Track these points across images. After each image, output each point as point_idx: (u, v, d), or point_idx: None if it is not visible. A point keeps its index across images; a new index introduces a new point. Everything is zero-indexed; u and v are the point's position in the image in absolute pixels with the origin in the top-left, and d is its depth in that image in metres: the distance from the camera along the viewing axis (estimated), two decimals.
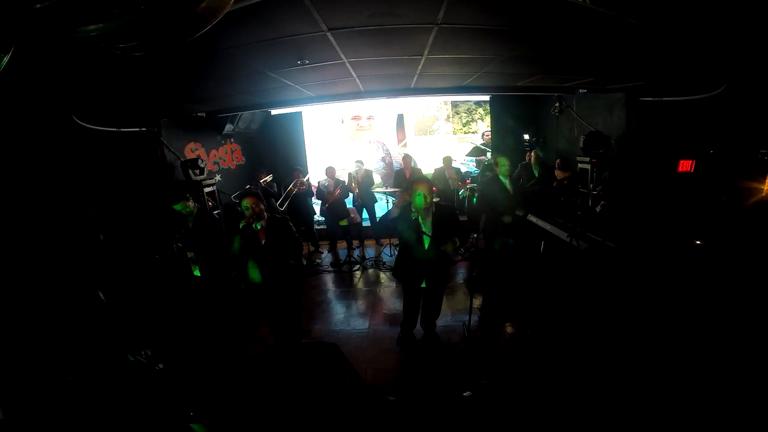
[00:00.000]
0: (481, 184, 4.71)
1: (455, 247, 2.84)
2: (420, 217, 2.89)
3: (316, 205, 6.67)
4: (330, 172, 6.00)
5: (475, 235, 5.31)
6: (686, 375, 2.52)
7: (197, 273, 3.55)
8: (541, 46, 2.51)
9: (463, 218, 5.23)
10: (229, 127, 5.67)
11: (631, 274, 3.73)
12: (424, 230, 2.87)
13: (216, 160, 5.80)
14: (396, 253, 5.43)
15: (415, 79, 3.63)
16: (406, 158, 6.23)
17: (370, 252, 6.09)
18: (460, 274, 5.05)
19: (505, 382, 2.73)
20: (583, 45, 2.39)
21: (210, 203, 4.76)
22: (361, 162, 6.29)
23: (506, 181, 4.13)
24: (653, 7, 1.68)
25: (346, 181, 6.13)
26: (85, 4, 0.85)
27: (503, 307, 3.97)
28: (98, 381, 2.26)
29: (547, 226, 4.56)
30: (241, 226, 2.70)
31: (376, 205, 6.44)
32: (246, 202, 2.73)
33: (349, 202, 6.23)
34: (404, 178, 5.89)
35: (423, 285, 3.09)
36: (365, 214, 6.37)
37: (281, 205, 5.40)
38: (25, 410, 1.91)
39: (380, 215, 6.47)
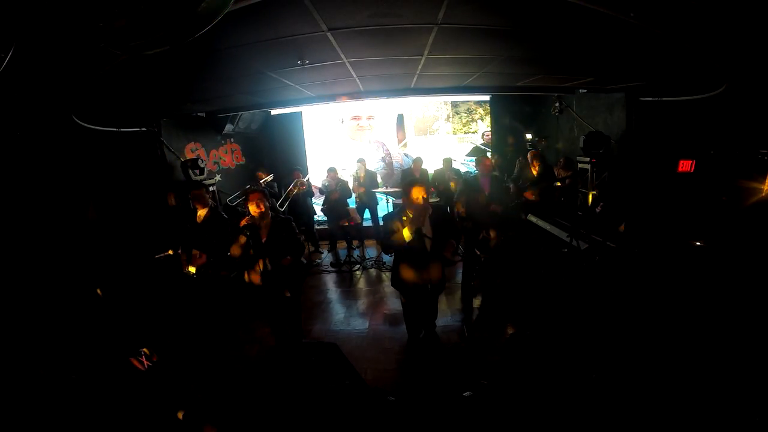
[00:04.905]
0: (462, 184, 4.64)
1: (454, 250, 2.81)
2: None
3: (317, 205, 6.67)
4: (332, 173, 6.03)
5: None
6: (686, 375, 2.52)
7: (193, 271, 3.55)
8: (541, 46, 2.51)
9: None
10: (229, 127, 5.67)
11: (631, 274, 3.73)
12: (424, 233, 2.78)
13: (216, 160, 5.80)
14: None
15: (415, 79, 3.62)
16: (417, 161, 6.23)
17: (370, 252, 6.09)
18: (460, 274, 5.04)
19: (505, 382, 2.73)
20: (583, 45, 2.39)
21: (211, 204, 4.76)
22: (363, 160, 6.29)
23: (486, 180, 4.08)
24: (654, 8, 1.68)
25: (350, 183, 6.14)
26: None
27: (503, 307, 3.97)
28: (97, 381, 2.26)
29: (547, 226, 4.56)
30: (242, 225, 2.71)
31: (377, 206, 6.45)
32: (250, 200, 2.77)
33: (351, 202, 6.24)
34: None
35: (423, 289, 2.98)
36: (367, 214, 6.36)
37: (281, 205, 5.40)
38: (25, 410, 1.91)
39: (381, 217, 6.47)
